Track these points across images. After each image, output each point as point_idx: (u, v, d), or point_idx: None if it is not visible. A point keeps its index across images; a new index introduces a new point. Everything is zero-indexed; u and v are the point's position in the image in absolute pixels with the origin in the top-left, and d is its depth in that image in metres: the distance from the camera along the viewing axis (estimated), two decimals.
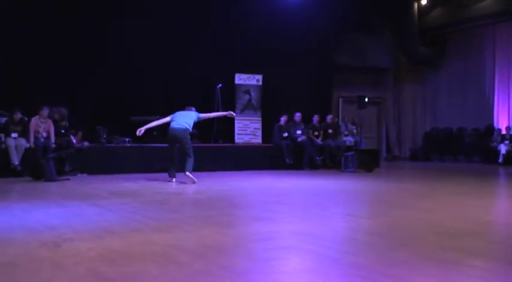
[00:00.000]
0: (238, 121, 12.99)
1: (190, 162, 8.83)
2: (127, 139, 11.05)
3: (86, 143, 10.47)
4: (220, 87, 12.51)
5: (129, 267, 3.27)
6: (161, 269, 3.23)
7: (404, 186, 9.11)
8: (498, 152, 14.97)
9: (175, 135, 8.99)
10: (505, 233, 4.91)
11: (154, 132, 11.89)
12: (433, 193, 7.79)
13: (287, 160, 12.29)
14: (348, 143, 14.00)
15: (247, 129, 13.20)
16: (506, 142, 15.02)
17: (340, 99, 17.09)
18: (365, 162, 11.94)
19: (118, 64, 12.33)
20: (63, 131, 10.31)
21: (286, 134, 12.64)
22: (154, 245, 3.90)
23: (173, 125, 9.04)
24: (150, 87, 12.72)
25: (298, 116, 12.96)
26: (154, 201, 6.47)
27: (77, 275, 3.11)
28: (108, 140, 11.10)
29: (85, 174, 10.07)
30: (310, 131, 13.12)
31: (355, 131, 15.12)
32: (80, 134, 10.73)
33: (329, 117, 13.80)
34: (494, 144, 15.25)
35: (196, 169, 11.20)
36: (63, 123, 10.43)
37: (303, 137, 12.65)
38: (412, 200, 6.92)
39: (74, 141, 10.24)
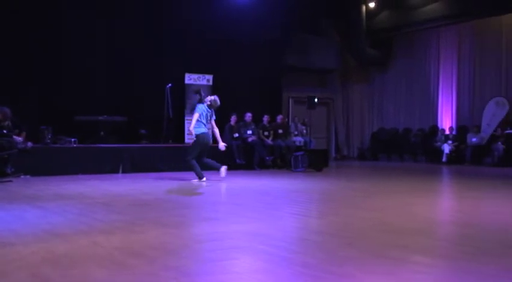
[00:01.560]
0: (188, 121, 12.86)
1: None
2: (73, 139, 10.75)
3: (29, 144, 10.11)
4: (170, 87, 12.36)
5: (73, 270, 3.17)
6: (106, 272, 3.14)
7: (353, 185, 9.25)
8: (442, 151, 15.45)
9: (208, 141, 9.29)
10: (448, 230, 5.05)
11: (102, 133, 11.65)
12: (380, 192, 7.94)
13: (237, 160, 12.27)
14: (297, 143, 14.10)
15: None
16: (450, 142, 15.51)
17: (290, 100, 17.23)
18: (314, 162, 12.07)
19: (63, 63, 12.01)
20: (5, 131, 9.92)
21: (236, 135, 12.63)
22: (100, 247, 3.80)
23: (205, 130, 9.20)
24: (97, 87, 12.43)
25: (248, 116, 12.97)
26: (100, 202, 6.31)
27: (20, 280, 2.99)
28: (53, 140, 10.77)
29: (28, 176, 9.73)
30: (261, 131, 13.16)
31: (304, 131, 15.26)
32: (23, 134, 10.36)
33: (279, 118, 13.87)
34: (438, 144, 15.73)
35: (145, 170, 11.08)
36: (6, 123, 10.04)
37: (253, 137, 12.67)
38: (360, 199, 7.03)
39: (18, 141, 9.88)
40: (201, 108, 9.11)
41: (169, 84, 12.37)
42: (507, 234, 4.52)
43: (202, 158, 9.24)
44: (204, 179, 9.14)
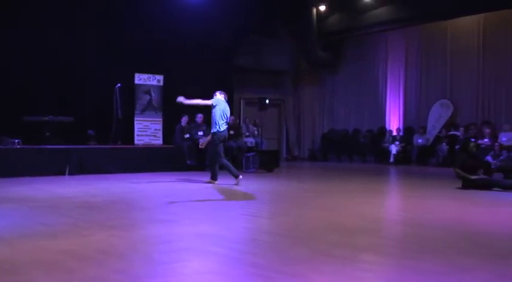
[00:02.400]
0: (138, 122, 12.67)
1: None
2: (16, 140, 10.39)
3: None
4: (119, 87, 12.13)
5: (16, 277, 3.06)
6: (51, 277, 3.05)
7: (304, 185, 9.35)
8: (389, 152, 15.82)
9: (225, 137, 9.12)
10: (395, 229, 5.17)
11: (48, 133, 11.32)
12: (330, 192, 8.05)
13: (188, 162, 12.17)
14: (249, 144, 14.13)
15: (148, 130, 12.90)
16: (397, 143, 15.90)
17: (242, 101, 17.25)
18: (266, 162, 12.13)
19: (7, 62, 11.60)
20: None
21: (187, 135, 12.53)
22: (44, 251, 3.68)
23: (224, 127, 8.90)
24: (43, 87, 12.07)
25: (199, 117, 12.89)
26: (45, 205, 6.12)
27: None
28: None
29: None
30: None
31: (256, 132, 15.31)
32: None
33: (230, 119, 13.83)
34: (386, 144, 16.11)
35: (92, 171, 10.83)
36: None
37: (205, 139, 12.57)
38: (311, 199, 7.10)
39: None
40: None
41: (119, 84, 12.14)
42: (451, 233, 4.67)
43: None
44: (216, 182, 9.03)
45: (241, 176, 8.93)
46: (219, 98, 8.98)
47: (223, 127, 8.84)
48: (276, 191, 8.21)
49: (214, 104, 8.85)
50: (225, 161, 9.06)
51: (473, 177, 8.33)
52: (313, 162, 17.53)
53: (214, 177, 9.10)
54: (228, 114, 9.03)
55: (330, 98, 19.18)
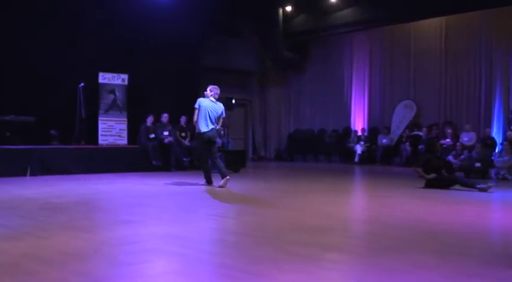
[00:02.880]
0: (102, 122, 12.50)
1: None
2: None
3: None
4: (82, 86, 11.95)
5: None
6: (11, 281, 2.99)
7: (270, 185, 9.39)
8: (354, 152, 16.03)
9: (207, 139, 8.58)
10: (359, 228, 5.26)
11: (8, 133, 11.06)
12: (296, 192, 8.11)
13: (154, 162, 12.08)
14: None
15: (112, 130, 12.74)
16: (362, 143, 16.13)
17: None
18: (232, 162, 12.13)
19: None
20: None
21: (153, 135, 12.42)
22: (5, 254, 3.61)
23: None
24: (5, 86, 11.79)
25: (165, 117, 12.81)
26: (6, 207, 5.99)
27: None
28: None
29: None
30: (178, 132, 13.04)
31: (222, 132, 15.25)
32: None
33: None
34: (351, 144, 16.32)
35: (55, 172, 10.64)
36: None
37: (170, 138, 12.53)
38: (276, 199, 7.15)
39: None
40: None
41: (82, 84, 11.96)
42: (415, 232, 4.77)
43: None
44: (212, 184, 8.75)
45: (228, 177, 8.57)
46: (202, 98, 8.65)
47: (204, 128, 8.47)
48: (243, 191, 8.22)
49: (196, 107, 8.56)
50: (217, 161, 8.71)
51: (430, 176, 8.54)
52: (280, 162, 17.63)
53: (208, 181, 8.84)
54: (216, 113, 8.59)
55: (296, 98, 19.32)
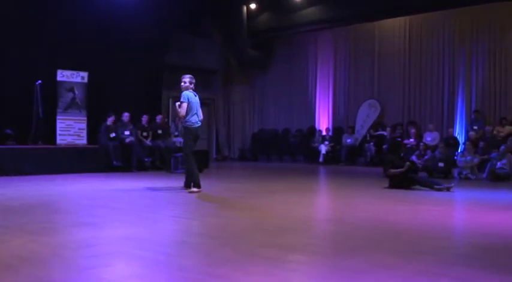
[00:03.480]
0: (60, 121, 12.26)
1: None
2: None
3: None
4: (40, 84, 11.70)
5: None
6: None
7: (233, 186, 9.39)
8: (319, 152, 16.18)
9: (198, 134, 8.01)
10: (323, 228, 5.31)
11: None
12: (260, 192, 8.13)
13: (114, 162, 11.94)
14: (178, 144, 14.01)
15: (71, 130, 12.51)
16: (326, 142, 16.29)
17: (171, 100, 17.08)
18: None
19: None
20: None
21: (113, 135, 12.27)
22: None
23: (197, 119, 7.86)
24: None
25: (126, 116, 12.67)
26: None
27: None
28: None
29: None
30: (139, 132, 12.91)
31: None
32: None
33: (159, 118, 13.70)
34: (316, 144, 16.46)
35: (10, 172, 10.38)
36: None
37: (131, 138, 12.40)
38: (240, 200, 7.16)
39: None
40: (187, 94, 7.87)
41: (39, 81, 11.71)
42: (378, 231, 4.84)
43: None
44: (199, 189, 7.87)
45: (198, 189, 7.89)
46: (187, 92, 7.88)
47: (198, 123, 7.93)
48: (206, 192, 8.20)
49: (185, 100, 7.79)
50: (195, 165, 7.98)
51: (398, 170, 8.65)
52: (243, 162, 17.65)
53: (196, 184, 7.87)
54: (199, 105, 7.99)
55: (260, 98, 19.37)
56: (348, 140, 16.13)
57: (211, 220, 5.38)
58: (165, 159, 12.72)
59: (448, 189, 8.34)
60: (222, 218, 5.54)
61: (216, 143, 18.73)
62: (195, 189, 7.80)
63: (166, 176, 11.04)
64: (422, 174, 10.58)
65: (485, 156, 11.91)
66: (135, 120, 12.95)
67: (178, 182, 9.24)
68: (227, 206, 6.53)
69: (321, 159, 16.06)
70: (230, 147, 19.28)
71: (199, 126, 8.01)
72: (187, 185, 8.12)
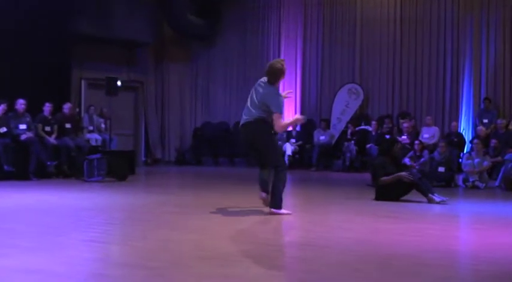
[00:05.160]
0: None
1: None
2: None
3: None
4: None
5: None
6: None
7: (168, 199, 9.37)
8: (283, 153, 16.23)
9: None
10: (286, 254, 5.37)
11: None
12: (203, 207, 8.12)
13: (5, 167, 11.76)
14: (93, 142, 13.90)
15: None
16: (292, 141, 16.34)
17: (83, 82, 16.86)
18: (117, 167, 11.99)
19: None
20: None
21: (4, 130, 12.09)
22: None
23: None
24: None
25: (21, 103, 12.45)
26: None
27: None
28: None
29: None
30: (40, 126, 12.73)
31: (103, 125, 15.08)
32: None
33: (66, 107, 13.53)
34: (280, 143, 16.53)
35: None
36: None
37: (29, 134, 12.22)
38: (176, 218, 7.16)
39: None
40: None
41: None
42: (361, 258, 4.92)
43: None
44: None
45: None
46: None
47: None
48: (131, 207, 8.16)
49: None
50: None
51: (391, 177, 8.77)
52: (182, 167, 17.60)
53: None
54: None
55: (205, 80, 19.31)
56: (321, 138, 16.26)
57: (138, 245, 5.37)
58: (75, 162, 12.59)
59: (434, 201, 8.45)
60: (154, 241, 5.54)
61: (146, 141, 18.61)
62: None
63: (77, 186, 10.93)
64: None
65: (498, 158, 12.19)
66: (34, 110, 12.76)
67: (95, 193, 9.19)
68: (159, 226, 6.52)
69: (285, 163, 16.12)
70: (164, 147, 19.18)
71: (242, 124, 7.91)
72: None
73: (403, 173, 8.73)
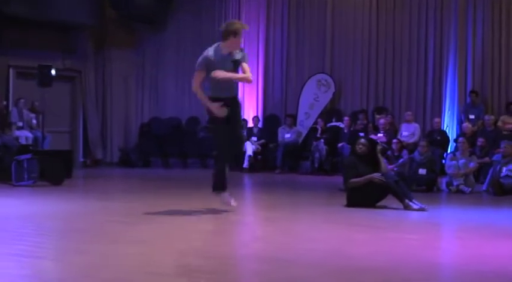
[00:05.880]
0: None
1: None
2: None
3: None
4: None
5: None
6: None
7: (110, 206, 9.33)
8: (243, 153, 16.26)
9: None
10: (246, 269, 5.39)
11: None
12: (150, 215, 8.12)
13: None
14: (23, 141, 13.78)
15: None
16: (254, 139, 16.36)
17: (12, 71, 16.70)
18: (51, 170, 11.90)
19: None
20: None
21: None
22: None
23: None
24: None
25: None
26: None
27: None
28: None
29: None
30: None
31: (34, 121, 14.95)
32: None
33: None
34: None
35: None
36: None
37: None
38: (120, 228, 7.13)
39: None
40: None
41: None
42: (330, 273, 4.96)
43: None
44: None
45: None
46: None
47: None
48: (66, 216, 8.11)
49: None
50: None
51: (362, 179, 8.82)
52: (127, 169, 17.52)
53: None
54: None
55: (153, 68, 19.24)
56: (287, 136, 16.30)
57: (76, 259, 5.34)
58: (1, 164, 12.47)
59: (412, 208, 8.52)
60: (92, 255, 5.51)
61: (84, 139, 18.48)
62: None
63: (3, 191, 10.82)
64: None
65: (486, 159, 12.35)
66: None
67: (25, 199, 9.11)
68: (99, 238, 6.49)
69: (245, 165, 16.12)
70: (106, 146, 19.07)
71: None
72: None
73: (376, 174, 8.78)
